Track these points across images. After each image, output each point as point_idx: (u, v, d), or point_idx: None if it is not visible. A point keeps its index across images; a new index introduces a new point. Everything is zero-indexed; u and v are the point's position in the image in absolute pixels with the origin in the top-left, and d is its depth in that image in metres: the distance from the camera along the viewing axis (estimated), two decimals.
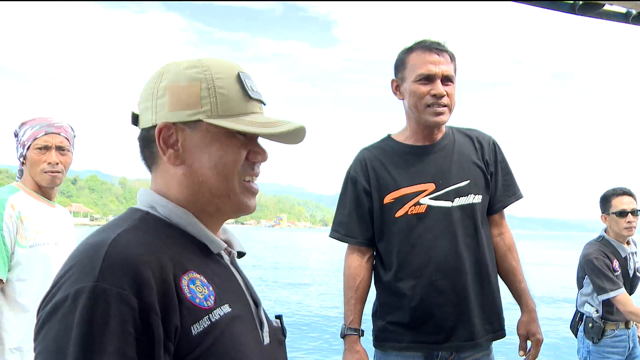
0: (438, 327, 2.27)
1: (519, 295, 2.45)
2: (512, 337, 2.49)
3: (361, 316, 2.40)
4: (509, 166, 2.50)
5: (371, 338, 2.45)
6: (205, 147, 1.04)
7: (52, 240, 2.45)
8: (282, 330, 1.19)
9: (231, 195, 1.07)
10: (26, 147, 2.46)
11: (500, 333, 2.38)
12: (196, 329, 0.92)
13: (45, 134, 2.44)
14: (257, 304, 1.13)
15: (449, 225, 2.29)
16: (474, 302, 2.29)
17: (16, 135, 2.53)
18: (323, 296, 17.68)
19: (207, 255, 1.06)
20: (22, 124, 2.51)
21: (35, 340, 0.89)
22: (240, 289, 1.10)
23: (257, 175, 1.12)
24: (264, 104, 1.14)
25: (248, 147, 1.08)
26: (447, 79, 2.26)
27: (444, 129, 2.41)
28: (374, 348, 2.42)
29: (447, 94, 2.25)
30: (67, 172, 2.56)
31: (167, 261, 0.94)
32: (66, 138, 2.51)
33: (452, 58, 2.32)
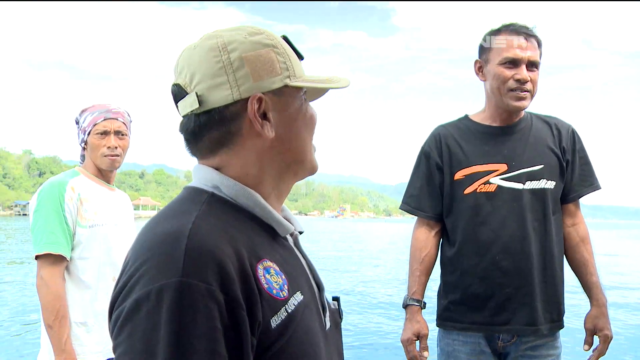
0: (498, 308, 2.28)
1: (590, 288, 2.41)
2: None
3: (424, 288, 2.45)
4: (588, 156, 2.47)
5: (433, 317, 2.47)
6: (292, 113, 1.03)
7: (111, 221, 2.56)
8: (339, 313, 1.15)
9: (309, 156, 1.08)
10: (87, 133, 2.58)
11: (558, 324, 2.37)
12: (275, 321, 0.88)
13: (104, 120, 2.56)
14: (320, 288, 1.09)
15: (518, 207, 2.29)
16: (537, 287, 2.28)
17: (77, 122, 2.66)
18: (384, 282, 17.14)
19: (274, 239, 1.01)
20: (82, 111, 2.64)
21: (116, 338, 0.84)
22: (306, 273, 1.06)
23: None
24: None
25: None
26: (532, 65, 2.26)
27: (522, 113, 2.41)
28: (436, 327, 2.45)
29: (530, 79, 2.25)
30: (125, 155, 2.68)
31: (243, 251, 0.89)
32: (123, 123, 2.62)
33: (539, 44, 2.30)
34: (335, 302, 1.15)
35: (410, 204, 2.53)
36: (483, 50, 2.37)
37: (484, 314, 2.30)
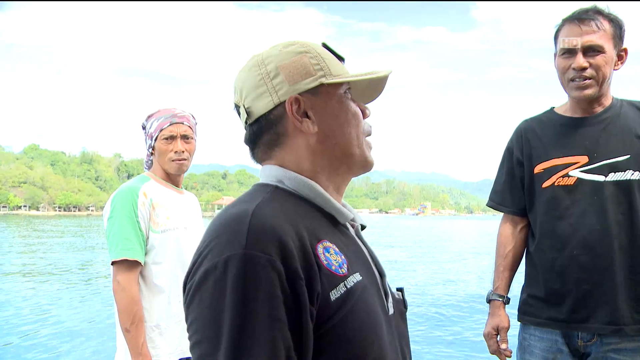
0: (576, 305, 2.20)
1: None
2: None
3: (508, 283, 2.44)
4: None
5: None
6: (332, 109, 1.11)
7: (181, 224, 2.59)
8: (403, 302, 1.20)
9: (359, 150, 1.13)
10: (154, 139, 2.62)
11: None
12: (334, 294, 0.95)
13: (170, 125, 2.58)
14: (381, 274, 1.14)
15: (600, 200, 2.19)
16: (620, 285, 2.15)
17: (144, 127, 2.68)
18: (464, 277, 17.43)
19: (335, 226, 1.09)
20: (149, 116, 2.66)
21: (187, 307, 0.94)
22: (367, 259, 1.13)
23: (370, 134, 1.18)
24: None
25: (361, 106, 1.16)
26: (590, 49, 2.15)
27: (607, 101, 2.29)
28: (517, 321, 2.43)
29: (591, 65, 2.16)
30: (192, 158, 2.70)
31: (303, 231, 0.97)
32: (189, 127, 2.65)
33: (605, 24, 2.16)
34: (400, 293, 1.21)
35: (494, 199, 2.54)
36: (555, 42, 2.31)
37: (561, 310, 2.22)
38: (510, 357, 2.37)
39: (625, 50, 2.24)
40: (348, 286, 0.97)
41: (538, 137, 2.37)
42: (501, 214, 2.56)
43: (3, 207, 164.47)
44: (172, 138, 2.58)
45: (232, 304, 0.87)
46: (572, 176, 2.24)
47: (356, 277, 1.00)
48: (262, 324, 0.86)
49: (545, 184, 2.29)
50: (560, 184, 2.26)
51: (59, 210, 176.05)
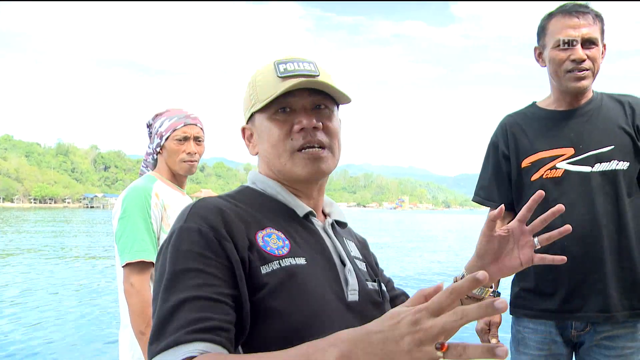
0: (568, 295, 2.24)
1: None
2: None
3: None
4: None
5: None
6: (261, 135, 1.25)
7: None
8: (379, 293, 1.27)
9: (285, 168, 1.22)
10: (164, 138, 2.57)
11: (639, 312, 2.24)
12: (265, 269, 1.06)
13: (184, 125, 2.57)
14: (344, 264, 1.21)
15: (587, 191, 2.23)
16: (610, 273, 2.20)
17: (149, 126, 2.67)
18: (443, 265, 17.87)
19: (294, 219, 1.22)
20: (157, 115, 2.65)
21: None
22: (327, 249, 1.21)
23: (316, 143, 1.20)
24: (314, 75, 1.22)
25: (290, 121, 1.21)
26: (588, 42, 2.21)
27: (590, 94, 2.36)
28: (510, 315, 2.46)
29: (588, 57, 2.21)
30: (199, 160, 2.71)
31: (248, 217, 1.13)
32: (201, 129, 2.65)
33: (596, 19, 2.24)
34: (375, 284, 1.29)
35: (480, 195, 2.54)
36: (540, 36, 2.35)
37: (554, 301, 2.25)
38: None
39: (604, 46, 2.29)
40: (282, 265, 1.08)
41: (523, 131, 2.39)
42: (481, 209, 2.54)
43: None
44: (185, 139, 2.57)
45: (170, 261, 1.03)
46: (559, 168, 2.27)
47: (297, 261, 1.11)
48: (189, 274, 1.00)
49: (534, 177, 2.32)
50: (549, 176, 2.28)
51: (35, 202, 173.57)
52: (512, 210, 2.43)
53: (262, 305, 1.04)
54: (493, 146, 2.49)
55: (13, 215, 66.12)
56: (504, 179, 2.44)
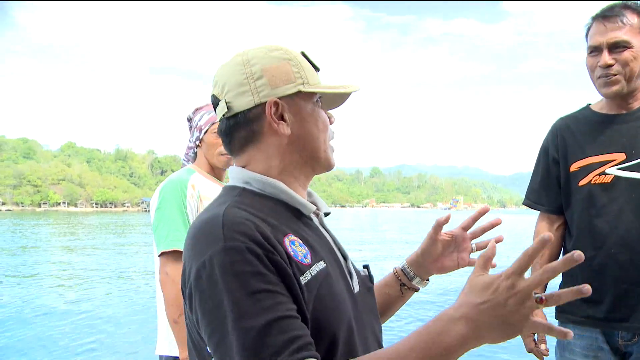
0: (615, 304, 2.18)
1: None
2: None
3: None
4: None
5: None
6: (305, 115, 1.21)
7: None
8: (369, 278, 1.33)
9: (324, 154, 1.25)
10: (203, 131, 2.62)
11: None
12: (303, 279, 1.05)
13: None
14: (345, 257, 1.26)
15: (638, 198, 2.17)
16: None
17: (189, 120, 2.70)
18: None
19: (299, 219, 1.20)
20: (196, 109, 2.69)
21: (191, 309, 1.04)
22: (330, 245, 1.24)
23: (333, 137, 1.29)
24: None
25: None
26: (614, 46, 2.17)
27: None
28: (556, 320, 2.41)
29: (617, 61, 2.17)
30: None
31: (271, 225, 1.08)
32: None
33: (627, 21, 2.17)
34: (366, 270, 1.34)
35: (530, 198, 2.53)
36: (586, 41, 2.32)
37: (600, 309, 2.21)
38: (547, 356, 2.34)
39: None
40: (313, 274, 1.07)
41: (573, 135, 2.34)
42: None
43: (44, 203, 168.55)
44: None
45: (226, 287, 0.95)
46: (609, 174, 2.22)
47: (320, 265, 1.11)
48: (257, 296, 0.95)
49: (582, 182, 2.28)
50: (597, 182, 2.23)
51: (96, 207, 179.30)
52: (561, 214, 2.43)
53: (309, 316, 1.04)
54: (543, 150, 2.48)
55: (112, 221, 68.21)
56: (554, 183, 2.42)
